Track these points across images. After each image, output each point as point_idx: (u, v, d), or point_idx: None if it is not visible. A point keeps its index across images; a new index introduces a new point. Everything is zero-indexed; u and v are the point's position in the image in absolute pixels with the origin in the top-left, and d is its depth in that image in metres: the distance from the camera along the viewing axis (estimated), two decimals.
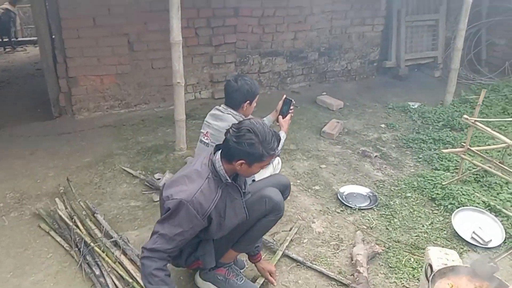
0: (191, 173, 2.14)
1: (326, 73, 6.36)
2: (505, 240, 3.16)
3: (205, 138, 3.03)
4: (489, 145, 4.26)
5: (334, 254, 3.02)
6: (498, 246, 3.12)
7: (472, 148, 3.66)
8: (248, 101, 2.99)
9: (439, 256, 2.56)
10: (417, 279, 2.79)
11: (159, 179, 3.81)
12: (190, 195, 2.03)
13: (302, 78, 6.23)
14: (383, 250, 3.01)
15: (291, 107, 3.22)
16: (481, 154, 3.70)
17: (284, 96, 3.25)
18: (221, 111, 3.01)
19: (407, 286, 2.76)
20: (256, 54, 5.74)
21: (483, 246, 3.11)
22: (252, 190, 2.40)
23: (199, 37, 5.30)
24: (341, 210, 3.52)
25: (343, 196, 3.67)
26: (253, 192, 2.35)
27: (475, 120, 3.51)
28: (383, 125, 5.14)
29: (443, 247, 3.10)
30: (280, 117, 3.23)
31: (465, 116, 3.63)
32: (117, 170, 3.98)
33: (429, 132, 4.83)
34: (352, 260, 2.89)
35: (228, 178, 2.13)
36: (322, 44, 6.13)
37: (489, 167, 3.74)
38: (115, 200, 3.55)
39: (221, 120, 2.97)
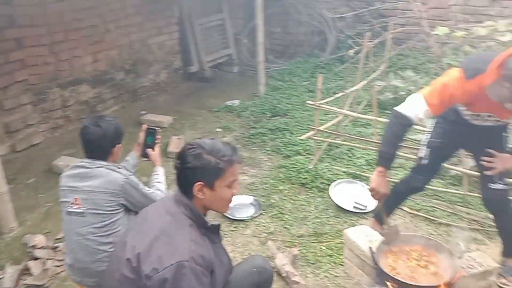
0: (166, 229, 1.61)
1: (136, 90, 5.90)
2: None
3: (76, 207, 2.31)
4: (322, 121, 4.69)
5: None
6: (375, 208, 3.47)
7: (320, 128, 3.97)
8: (118, 144, 2.45)
9: (359, 235, 2.67)
10: (340, 264, 2.86)
11: (1, 277, 2.84)
12: (185, 251, 1.54)
13: (114, 102, 5.62)
14: (299, 250, 2.97)
15: (157, 136, 2.80)
16: (329, 131, 4.06)
17: (145, 126, 2.79)
18: (88, 167, 2.36)
19: (336, 274, 2.80)
20: (55, 86, 4.86)
21: (365, 211, 3.42)
22: None
23: None
24: (235, 227, 3.32)
25: (228, 212, 3.48)
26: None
27: (319, 103, 3.80)
28: (219, 129, 5.09)
29: (337, 224, 3.30)
30: (149, 150, 2.77)
31: (308, 101, 3.90)
32: None
33: (263, 124, 5.03)
34: (280, 273, 2.74)
35: (207, 221, 1.71)
36: (125, 61, 5.64)
37: (334, 139, 4.14)
38: None
39: (92, 178, 2.32)
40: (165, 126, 5.10)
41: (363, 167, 3.98)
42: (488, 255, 2.58)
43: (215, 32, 6.92)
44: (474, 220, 3.22)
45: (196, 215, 1.69)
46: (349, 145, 4.18)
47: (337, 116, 4.34)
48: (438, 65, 5.93)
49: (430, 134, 2.64)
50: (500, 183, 2.50)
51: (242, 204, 3.59)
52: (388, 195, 2.44)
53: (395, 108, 2.36)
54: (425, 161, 2.64)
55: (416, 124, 2.49)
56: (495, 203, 2.61)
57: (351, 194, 3.57)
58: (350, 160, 4.12)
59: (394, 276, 2.27)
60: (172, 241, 1.58)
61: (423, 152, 2.64)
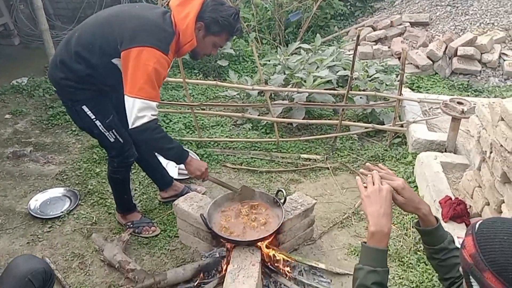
0: None
1: None
2: None
3: None
4: None
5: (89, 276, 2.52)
6: None
7: None
8: None
9: (189, 204, 2.60)
10: (175, 236, 2.75)
11: None
12: None
13: None
14: (130, 233, 2.73)
15: None
16: None
17: None
18: None
19: (173, 247, 2.68)
20: None
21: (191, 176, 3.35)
22: None
23: None
24: (50, 227, 2.86)
25: (38, 210, 2.99)
26: None
27: None
28: (8, 116, 4.28)
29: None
30: None
31: None
32: None
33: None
34: (113, 265, 2.49)
35: None
36: None
37: None
38: None
39: None
40: None
41: (183, 131, 3.88)
42: (305, 193, 2.81)
43: None
44: (289, 163, 3.49)
45: None
46: (163, 111, 4.00)
47: None
48: None
49: (97, 119, 2.39)
50: None
51: (54, 198, 3.12)
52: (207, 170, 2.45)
53: (136, 126, 2.14)
54: (121, 140, 2.48)
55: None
56: None
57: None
58: (168, 126, 3.96)
59: (227, 237, 2.29)
60: None
61: (111, 136, 2.45)
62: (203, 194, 2.87)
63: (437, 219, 1.48)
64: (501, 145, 2.01)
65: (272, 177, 3.32)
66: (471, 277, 1.10)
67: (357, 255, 2.57)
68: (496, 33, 4.84)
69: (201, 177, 2.44)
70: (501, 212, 2.09)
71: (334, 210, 2.98)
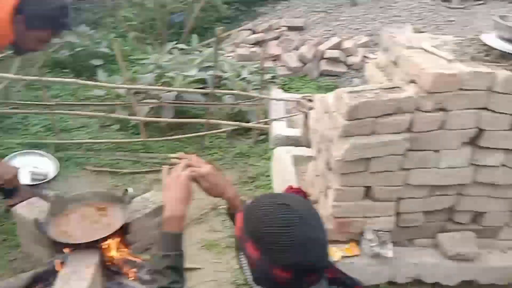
0: None
1: None
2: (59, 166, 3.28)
3: None
4: None
5: None
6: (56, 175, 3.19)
7: None
8: None
9: (29, 210, 2.42)
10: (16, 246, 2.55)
11: None
12: None
13: None
14: None
15: None
16: None
17: None
18: None
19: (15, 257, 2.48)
20: None
21: (45, 180, 3.13)
22: None
23: None
24: None
25: None
26: None
27: None
28: None
29: None
30: None
31: None
32: None
33: None
34: None
35: None
36: None
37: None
38: None
39: None
40: None
41: (40, 133, 3.63)
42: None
43: None
44: (156, 163, 3.43)
45: None
46: (23, 113, 3.72)
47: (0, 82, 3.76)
48: (115, 18, 5.92)
49: None
50: None
51: None
52: None
53: None
54: None
55: None
56: None
57: (29, 165, 3.20)
58: (26, 129, 3.68)
59: (62, 240, 2.18)
60: None
61: None
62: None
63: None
64: (325, 135, 2.17)
65: (134, 178, 3.24)
66: (240, 252, 1.14)
67: (208, 249, 2.59)
68: (361, 38, 5.26)
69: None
70: (327, 196, 2.27)
71: (194, 207, 2.98)
